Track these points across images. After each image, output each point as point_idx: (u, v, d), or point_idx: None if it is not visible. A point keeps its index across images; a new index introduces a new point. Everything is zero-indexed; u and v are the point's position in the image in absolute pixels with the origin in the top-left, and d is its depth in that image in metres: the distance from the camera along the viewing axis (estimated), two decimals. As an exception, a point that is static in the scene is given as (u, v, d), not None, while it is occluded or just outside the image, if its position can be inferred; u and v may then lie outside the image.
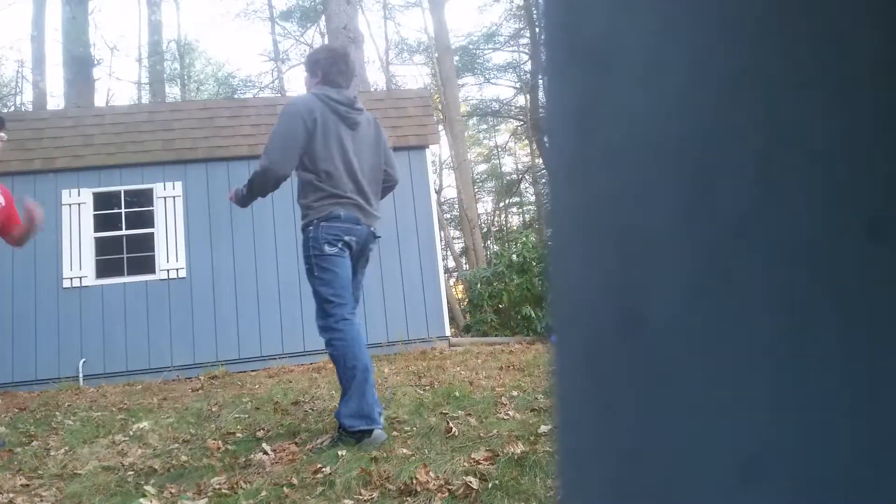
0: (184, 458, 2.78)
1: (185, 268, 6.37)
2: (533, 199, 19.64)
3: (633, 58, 0.22)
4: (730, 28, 0.20)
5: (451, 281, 13.79)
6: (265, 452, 2.71)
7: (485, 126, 21.74)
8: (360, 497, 2.16)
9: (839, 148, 0.18)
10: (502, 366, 4.67)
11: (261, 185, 2.86)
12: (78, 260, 6.24)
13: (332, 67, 2.94)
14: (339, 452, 2.56)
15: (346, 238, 2.83)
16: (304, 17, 18.18)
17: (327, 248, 2.80)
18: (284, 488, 2.28)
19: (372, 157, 3.00)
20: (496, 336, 7.18)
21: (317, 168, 2.81)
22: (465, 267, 13.87)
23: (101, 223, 6.41)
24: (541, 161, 17.16)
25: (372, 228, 2.96)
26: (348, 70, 2.99)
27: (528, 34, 17.23)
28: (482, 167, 22.36)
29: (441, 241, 10.62)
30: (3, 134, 3.28)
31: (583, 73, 0.24)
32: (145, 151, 6.50)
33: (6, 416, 4.14)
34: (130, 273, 6.39)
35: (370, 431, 2.68)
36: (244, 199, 2.94)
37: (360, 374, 2.73)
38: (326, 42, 11.45)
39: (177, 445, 3.04)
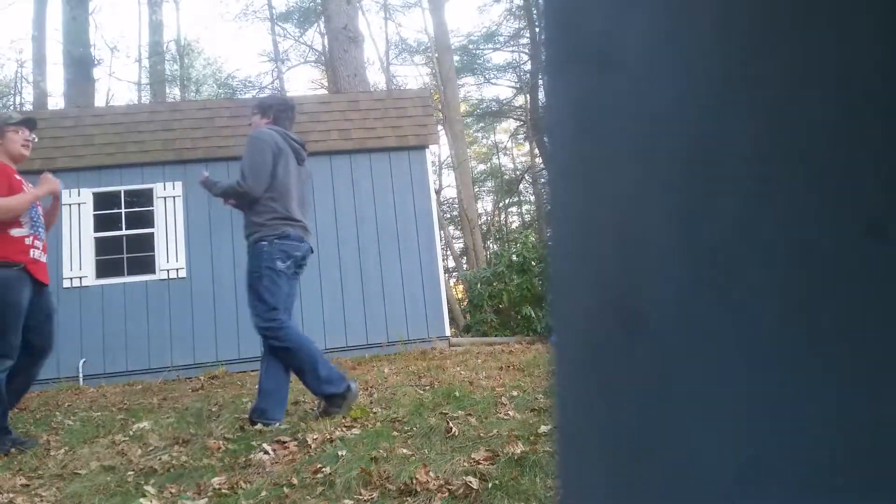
0: (184, 458, 2.78)
1: (185, 268, 6.37)
2: (533, 199, 19.64)
3: (633, 58, 0.22)
4: (730, 28, 0.20)
5: (451, 281, 13.79)
6: (265, 452, 2.71)
7: (482, 125, 21.74)
8: (360, 497, 2.16)
9: (839, 148, 0.18)
10: (502, 366, 4.67)
11: (235, 198, 3.38)
12: (78, 260, 6.24)
13: (281, 114, 3.54)
14: (339, 452, 2.56)
15: (295, 254, 3.34)
16: (304, 18, 18.17)
17: (279, 264, 3.29)
18: (284, 488, 2.28)
19: (308, 190, 3.66)
20: (496, 336, 7.18)
21: (276, 191, 3.30)
22: (465, 267, 13.86)
23: (101, 223, 6.41)
24: (541, 161, 17.15)
25: (309, 245, 3.51)
26: (294, 118, 3.63)
27: (528, 34, 17.22)
28: (482, 167, 22.37)
29: (441, 241, 10.62)
30: (34, 135, 3.50)
31: (583, 73, 0.24)
32: (145, 151, 6.50)
33: (6, 416, 4.13)
34: (130, 273, 6.38)
35: (349, 387, 3.24)
36: (213, 192, 3.42)
37: (315, 351, 3.24)
38: (326, 42, 11.46)
39: (177, 445, 3.04)
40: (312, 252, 3.52)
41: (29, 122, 3.47)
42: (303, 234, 3.40)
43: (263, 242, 3.27)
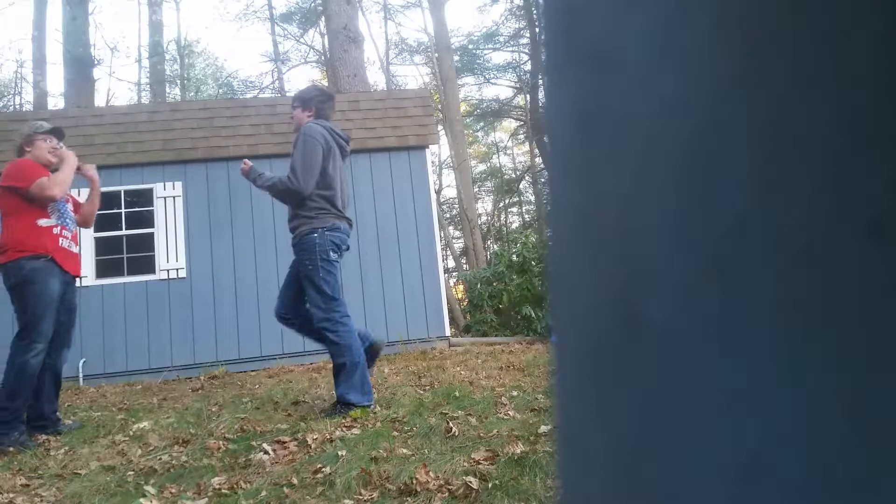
0: (184, 458, 2.78)
1: (185, 268, 6.37)
2: (533, 199, 19.63)
3: (633, 58, 0.22)
4: (730, 27, 0.20)
5: (451, 281, 13.79)
6: (265, 452, 2.71)
7: (482, 125, 21.74)
8: (360, 497, 2.16)
9: (839, 147, 0.18)
10: (502, 366, 4.67)
11: (282, 196, 3.46)
12: (78, 260, 6.24)
13: (323, 105, 3.60)
14: (339, 452, 2.56)
15: (343, 246, 3.46)
16: (304, 19, 18.16)
17: (332, 255, 3.37)
18: (284, 488, 2.28)
19: (348, 183, 3.73)
20: (496, 336, 7.18)
21: (325, 185, 3.39)
22: (465, 267, 13.85)
23: (101, 223, 6.40)
24: (541, 161, 17.15)
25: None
26: (334, 107, 3.73)
27: (528, 34, 17.22)
28: (482, 167, 22.37)
29: (441, 241, 10.61)
30: (61, 144, 3.64)
31: (583, 73, 0.24)
32: (145, 151, 6.49)
33: (6, 416, 4.13)
34: (130, 273, 6.38)
35: (370, 406, 3.34)
36: (257, 184, 3.46)
37: (362, 361, 3.35)
38: (327, 42, 11.48)
39: (177, 445, 3.04)
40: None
41: (57, 132, 3.62)
42: (347, 227, 3.52)
43: (314, 234, 3.36)
